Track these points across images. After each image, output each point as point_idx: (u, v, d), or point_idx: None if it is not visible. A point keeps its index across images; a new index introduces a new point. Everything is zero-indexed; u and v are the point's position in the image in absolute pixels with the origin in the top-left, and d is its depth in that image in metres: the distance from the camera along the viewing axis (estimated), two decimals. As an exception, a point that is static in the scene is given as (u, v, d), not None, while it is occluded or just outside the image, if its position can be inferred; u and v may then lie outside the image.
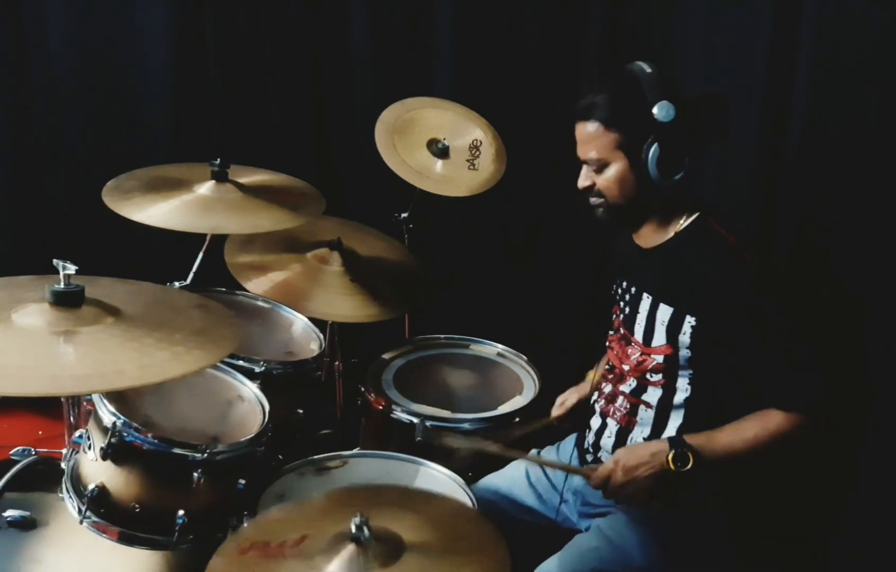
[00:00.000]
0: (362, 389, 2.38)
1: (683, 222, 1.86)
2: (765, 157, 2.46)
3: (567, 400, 2.24)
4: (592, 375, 2.18)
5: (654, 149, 1.79)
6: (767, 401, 1.75)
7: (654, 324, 1.85)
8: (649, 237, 1.91)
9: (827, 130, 2.30)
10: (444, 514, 1.55)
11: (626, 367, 1.92)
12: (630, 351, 1.91)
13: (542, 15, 2.96)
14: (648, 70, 1.81)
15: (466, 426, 2.22)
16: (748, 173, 2.51)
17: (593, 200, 1.91)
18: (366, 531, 1.35)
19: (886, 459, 2.20)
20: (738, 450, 1.75)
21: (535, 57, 2.99)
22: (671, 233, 1.87)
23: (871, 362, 2.22)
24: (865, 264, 2.23)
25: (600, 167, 1.87)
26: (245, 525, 1.75)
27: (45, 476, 1.97)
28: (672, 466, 1.73)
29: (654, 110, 1.78)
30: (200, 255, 2.38)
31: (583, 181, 1.91)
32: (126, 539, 1.81)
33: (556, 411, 2.24)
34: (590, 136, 1.86)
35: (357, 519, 1.35)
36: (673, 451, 1.74)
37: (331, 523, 1.42)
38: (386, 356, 2.55)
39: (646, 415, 1.89)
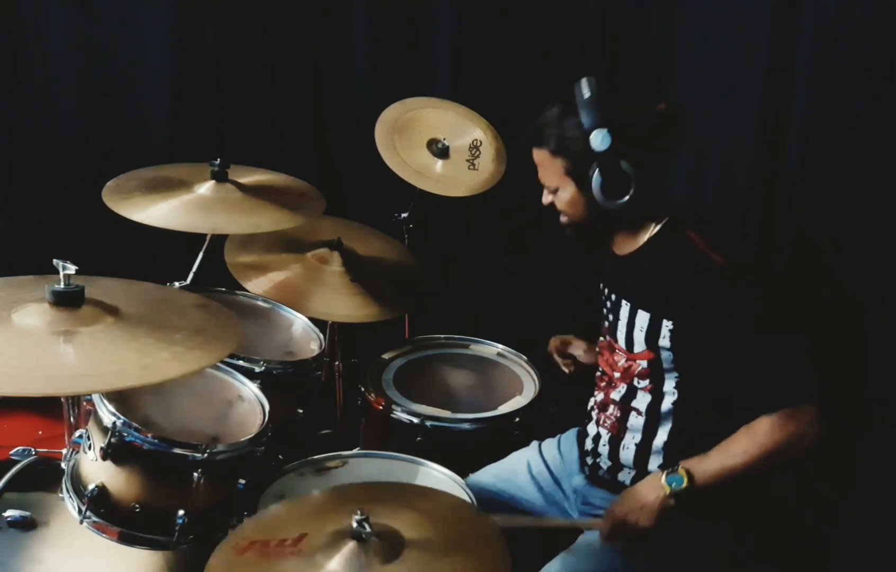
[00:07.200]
0: (362, 389, 2.38)
1: (654, 228, 1.87)
2: (765, 158, 2.46)
3: (574, 344, 2.25)
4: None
5: (595, 176, 1.79)
6: (755, 406, 1.73)
7: (633, 331, 1.86)
8: (623, 245, 1.92)
9: (827, 130, 2.30)
10: (444, 511, 1.55)
11: (616, 374, 1.94)
12: (617, 358, 1.93)
13: (542, 15, 2.96)
14: (587, 94, 1.79)
15: (466, 426, 2.22)
16: (748, 174, 2.51)
17: (561, 218, 1.94)
18: (367, 527, 1.34)
19: (886, 459, 2.20)
20: (733, 467, 1.72)
21: (535, 57, 2.98)
22: (643, 240, 1.89)
23: (872, 362, 2.22)
24: (866, 264, 2.23)
25: (554, 190, 1.90)
26: (244, 523, 1.75)
27: (45, 476, 1.97)
28: (667, 488, 1.72)
29: (590, 139, 1.77)
30: (200, 255, 2.38)
31: (545, 199, 1.94)
32: (126, 539, 1.80)
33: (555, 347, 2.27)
34: (541, 162, 1.89)
35: (358, 516, 1.35)
36: (665, 473, 1.74)
37: (330, 521, 1.42)
38: (386, 356, 2.55)
39: (636, 422, 1.89)
